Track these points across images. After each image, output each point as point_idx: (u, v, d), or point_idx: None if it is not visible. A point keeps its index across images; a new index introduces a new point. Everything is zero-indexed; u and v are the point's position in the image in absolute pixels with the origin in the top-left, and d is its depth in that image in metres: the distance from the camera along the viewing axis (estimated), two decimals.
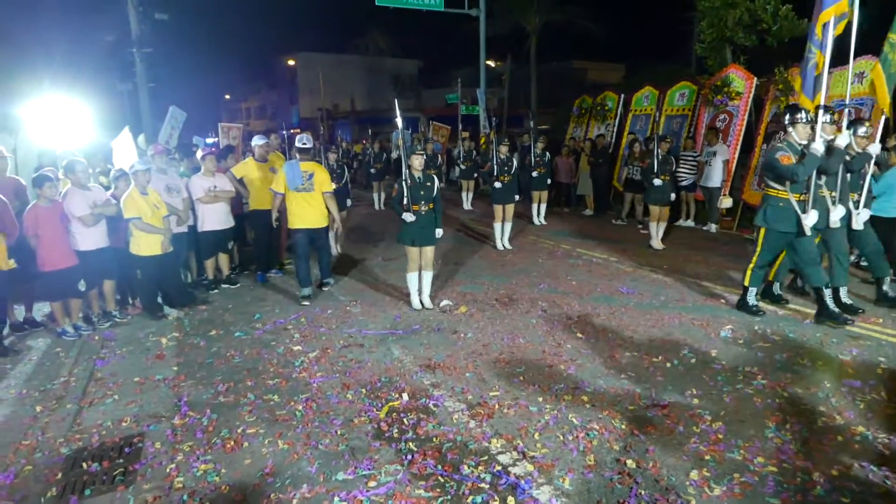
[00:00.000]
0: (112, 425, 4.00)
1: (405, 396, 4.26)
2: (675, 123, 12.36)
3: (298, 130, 35.17)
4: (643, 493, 3.09)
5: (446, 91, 31.28)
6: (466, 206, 14.33)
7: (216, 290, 7.28)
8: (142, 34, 17.23)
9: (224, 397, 4.37)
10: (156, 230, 6.09)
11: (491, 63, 27.30)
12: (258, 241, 7.79)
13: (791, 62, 10.37)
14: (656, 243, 9.06)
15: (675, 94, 12.56)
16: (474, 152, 15.72)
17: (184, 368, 4.94)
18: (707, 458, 3.40)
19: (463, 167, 15.01)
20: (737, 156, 10.77)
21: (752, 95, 10.78)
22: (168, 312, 6.35)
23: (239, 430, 3.85)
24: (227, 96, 58.75)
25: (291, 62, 45.44)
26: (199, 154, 8.13)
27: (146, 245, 6.09)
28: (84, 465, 3.51)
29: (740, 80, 10.95)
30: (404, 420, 3.91)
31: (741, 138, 10.85)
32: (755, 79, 10.76)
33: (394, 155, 21.00)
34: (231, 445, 3.67)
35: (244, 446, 3.66)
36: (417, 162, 6.23)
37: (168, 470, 3.42)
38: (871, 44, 8.74)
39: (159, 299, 6.44)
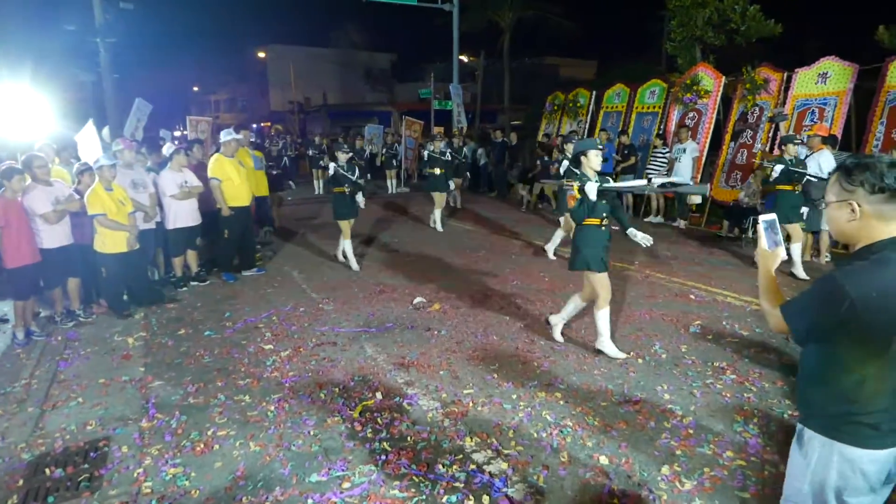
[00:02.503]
0: (76, 429, 3.89)
1: (379, 395, 4.24)
2: (646, 121, 12.52)
3: (269, 124, 34.73)
4: (616, 488, 3.12)
5: (420, 85, 31.20)
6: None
7: (185, 288, 7.14)
8: (106, 23, 16.77)
9: (194, 398, 4.28)
10: (121, 227, 5.93)
11: (464, 58, 27.30)
12: (231, 240, 7.62)
13: (758, 62, 10.59)
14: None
15: (645, 91, 12.71)
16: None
17: (151, 369, 4.83)
18: (678, 452, 3.45)
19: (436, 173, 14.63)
20: (705, 153, 10.95)
21: (720, 94, 10.97)
22: (135, 311, 6.20)
23: (209, 433, 3.77)
24: (196, 88, 57.54)
25: (262, 54, 44.68)
26: (166, 148, 7.93)
27: (111, 242, 5.93)
28: (47, 471, 3.40)
29: (709, 79, 11.13)
30: (378, 419, 3.89)
31: (710, 136, 11.03)
32: (724, 77, 10.96)
33: (366, 149, 20.89)
34: (201, 448, 3.59)
35: (215, 449, 3.59)
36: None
37: (135, 475, 3.33)
38: (835, 44, 8.97)
39: (125, 297, 6.28)
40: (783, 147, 7.28)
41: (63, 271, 5.88)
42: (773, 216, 2.14)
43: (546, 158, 12.01)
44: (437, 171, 10.71)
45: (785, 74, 9.95)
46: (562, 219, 8.58)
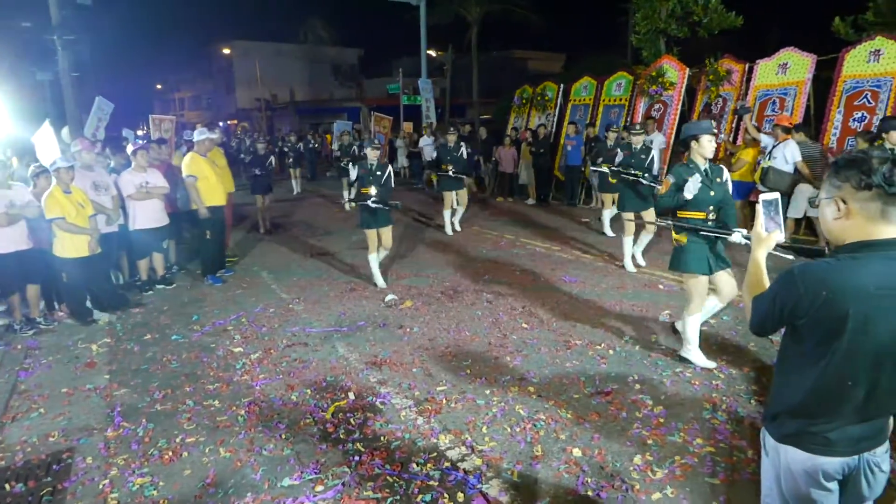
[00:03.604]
0: (38, 441, 3.76)
1: (351, 395, 4.20)
2: (613, 113, 12.63)
3: (236, 122, 34.17)
4: (590, 480, 3.14)
5: (388, 81, 31.06)
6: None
7: (150, 292, 6.97)
8: (63, 20, 16.24)
9: (161, 405, 4.18)
10: (81, 230, 5.76)
11: (432, 53, 27.21)
12: (213, 241, 7.43)
13: (721, 53, 10.77)
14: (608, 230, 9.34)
15: (612, 84, 12.82)
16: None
17: (117, 376, 4.70)
18: (649, 442, 3.49)
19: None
20: (671, 144, 11.10)
21: (685, 85, 11.13)
22: (98, 317, 6.04)
23: (177, 440, 3.69)
24: (160, 86, 56.33)
25: (227, 51, 43.90)
26: (130, 148, 7.73)
27: (71, 246, 5.75)
28: (7, 485, 3.28)
29: (674, 71, 11.27)
30: (351, 420, 3.85)
31: (676, 127, 11.18)
32: (687, 69, 11.11)
33: (335, 146, 20.69)
34: (169, 456, 3.51)
35: (183, 456, 3.52)
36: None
37: (101, 486, 3.24)
38: (795, 36, 9.16)
39: (88, 303, 6.10)
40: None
41: (20, 277, 5.69)
42: (775, 195, 2.02)
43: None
44: (451, 169, 9.62)
45: (747, 66, 10.13)
46: (602, 196, 9.32)
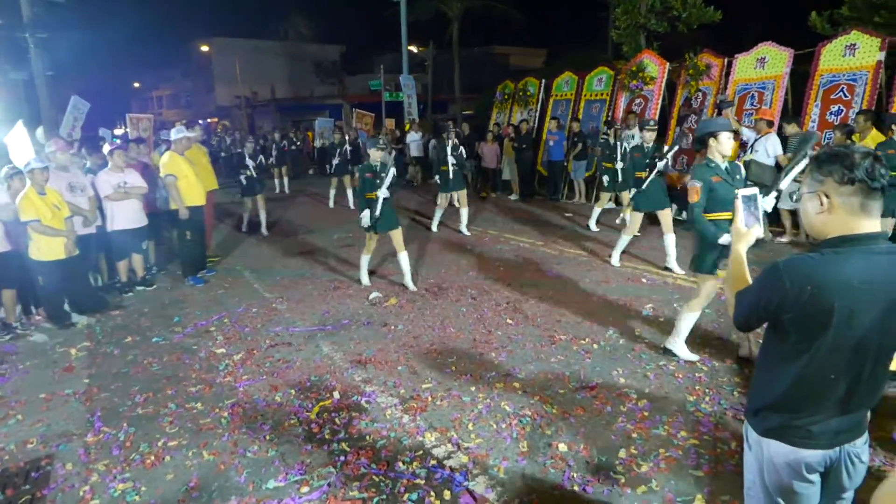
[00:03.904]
0: (16, 448, 3.69)
1: (336, 395, 4.17)
2: (595, 108, 12.68)
3: (216, 120, 33.79)
4: (575, 475, 3.15)
5: (369, 77, 30.84)
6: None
7: (130, 294, 6.87)
8: (35, 18, 15.92)
9: (142, 409, 4.12)
10: (57, 232, 5.65)
11: (413, 49, 27.12)
12: (193, 241, 7.33)
13: (700, 48, 10.85)
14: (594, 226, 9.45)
15: (593, 79, 12.85)
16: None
17: (96, 380, 4.62)
18: (634, 435, 3.51)
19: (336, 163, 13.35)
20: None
21: (665, 80, 11.19)
22: (77, 320, 5.93)
23: (160, 444, 3.64)
24: (137, 85, 55.51)
25: (205, 48, 43.36)
26: (107, 148, 7.59)
27: (48, 249, 5.64)
28: None
29: (654, 66, 11.34)
30: (336, 420, 3.83)
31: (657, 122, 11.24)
32: (668, 64, 11.18)
33: (317, 144, 20.53)
34: (151, 460, 3.46)
35: (166, 460, 3.47)
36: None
37: (81, 493, 3.19)
38: (773, 30, 9.24)
39: (66, 306, 6.00)
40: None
41: None
42: (754, 190, 2.03)
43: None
44: (451, 169, 9.29)
45: (725, 60, 10.21)
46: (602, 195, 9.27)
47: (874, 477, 2.88)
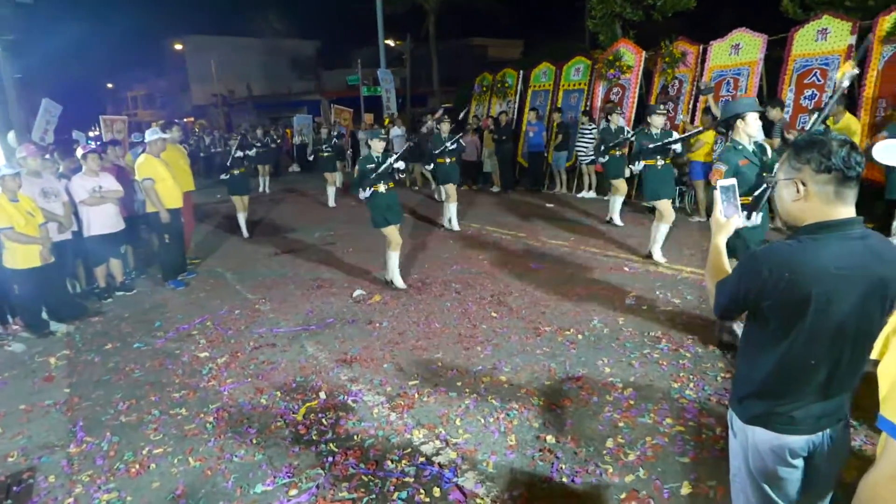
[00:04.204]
0: None
1: (322, 395, 4.14)
2: (573, 98, 12.71)
3: (193, 119, 33.32)
4: (564, 467, 3.17)
5: (347, 72, 30.62)
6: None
7: (110, 299, 6.76)
8: (1, 19, 15.55)
9: (126, 417, 4.06)
10: (32, 240, 5.54)
11: (390, 42, 26.95)
12: (172, 244, 7.23)
13: (675, 35, 10.91)
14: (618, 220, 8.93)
15: (570, 69, 12.88)
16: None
17: (77, 389, 4.55)
18: (621, 424, 3.54)
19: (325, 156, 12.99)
20: (631, 127, 11.22)
21: (641, 68, 11.24)
22: (56, 328, 5.83)
23: (144, 452, 3.59)
24: (110, 85, 54.57)
25: (179, 46, 42.74)
26: (80, 152, 7.45)
27: (22, 257, 5.53)
28: None
29: (630, 54, 11.38)
30: (323, 420, 3.80)
31: (634, 110, 11.31)
32: (644, 52, 11.23)
33: (296, 141, 20.37)
34: (136, 469, 3.41)
35: (151, 468, 3.42)
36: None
37: None
38: (746, 16, 9.32)
39: (44, 315, 5.89)
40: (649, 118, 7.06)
41: None
42: (732, 181, 2.02)
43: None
44: (448, 160, 9.19)
45: (701, 47, 10.28)
46: (616, 184, 8.92)
47: (856, 456, 2.94)
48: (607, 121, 9.51)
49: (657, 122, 6.84)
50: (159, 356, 5.07)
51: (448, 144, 9.07)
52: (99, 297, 6.79)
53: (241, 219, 9.83)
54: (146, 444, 3.67)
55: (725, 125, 4.29)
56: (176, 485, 3.24)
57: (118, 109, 47.99)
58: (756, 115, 4.13)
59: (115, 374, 4.78)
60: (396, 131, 15.08)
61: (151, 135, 7.19)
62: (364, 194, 6.12)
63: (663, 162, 6.73)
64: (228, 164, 9.52)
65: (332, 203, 12.41)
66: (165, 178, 7.00)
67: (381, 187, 6.16)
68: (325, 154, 12.99)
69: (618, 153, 8.99)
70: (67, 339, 5.64)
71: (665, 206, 6.64)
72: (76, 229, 6.61)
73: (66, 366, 5.03)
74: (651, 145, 6.70)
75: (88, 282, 7.12)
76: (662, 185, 6.70)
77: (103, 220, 6.66)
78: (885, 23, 7.92)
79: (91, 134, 26.02)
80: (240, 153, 9.60)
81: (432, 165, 9.37)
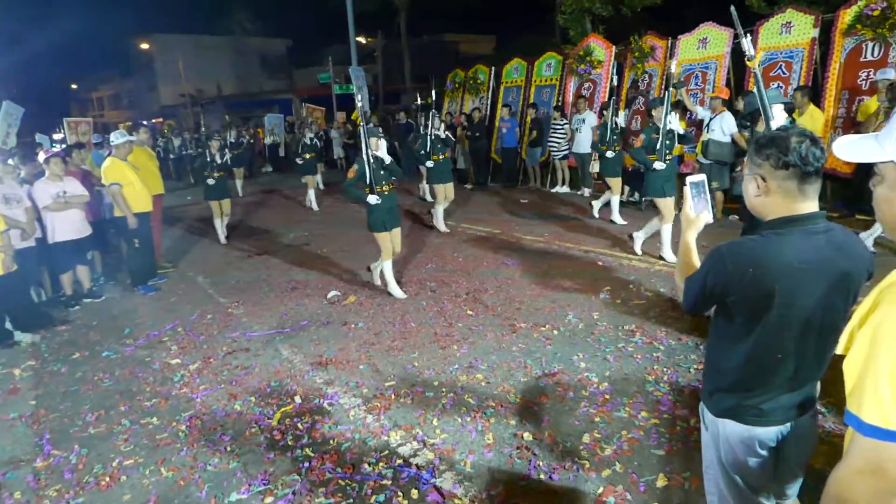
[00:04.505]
0: None
1: (298, 399, 4.09)
2: (545, 93, 12.75)
3: (161, 120, 32.71)
4: (541, 464, 3.17)
5: (318, 70, 30.33)
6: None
7: (77, 307, 6.59)
8: None
9: (94, 428, 3.96)
10: None
11: (362, 40, 26.75)
12: (142, 249, 7.06)
13: (644, 30, 11.01)
14: (617, 217, 8.65)
15: (542, 64, 12.92)
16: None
17: (44, 401, 4.42)
18: (597, 419, 3.56)
19: (307, 157, 12.12)
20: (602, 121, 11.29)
21: (612, 63, 11.32)
22: (20, 338, 5.66)
23: (115, 463, 3.50)
24: (75, 86, 53.33)
25: (146, 45, 41.91)
26: (42, 156, 7.24)
27: None
28: None
29: (601, 49, 11.45)
30: (299, 425, 3.75)
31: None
32: (614, 47, 11.31)
33: (267, 141, 20.11)
34: (106, 482, 3.33)
35: (122, 480, 3.34)
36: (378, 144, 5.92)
37: None
38: (713, 10, 9.44)
39: (8, 324, 5.71)
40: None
41: None
42: (702, 177, 2.02)
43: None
44: (441, 156, 8.91)
45: (669, 41, 10.39)
46: (611, 182, 8.66)
47: (824, 442, 2.99)
48: (602, 116, 9.22)
49: (660, 115, 6.59)
50: (129, 364, 4.96)
51: (438, 133, 8.84)
52: (66, 304, 6.62)
53: (220, 225, 9.39)
54: (116, 456, 3.58)
55: (750, 119, 4.23)
56: (148, 496, 3.16)
57: (84, 110, 46.98)
58: (781, 106, 4.04)
59: (83, 384, 4.66)
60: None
61: (118, 137, 7.01)
62: (375, 199, 5.78)
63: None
64: (208, 168, 9.08)
65: (315, 207, 11.79)
66: (133, 182, 6.84)
67: (386, 188, 5.90)
68: (308, 156, 12.12)
69: (615, 150, 8.67)
70: (33, 350, 5.48)
71: (668, 204, 6.43)
72: (40, 236, 6.43)
73: (31, 377, 4.89)
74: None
75: (54, 289, 6.94)
76: (668, 181, 6.46)
77: (68, 225, 6.49)
78: (846, 16, 8.09)
79: (56, 137, 25.38)
80: (217, 156, 9.19)
81: (432, 164, 8.92)
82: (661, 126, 6.42)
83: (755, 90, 3.85)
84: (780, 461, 1.90)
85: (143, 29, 41.75)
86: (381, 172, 5.89)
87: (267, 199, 13.95)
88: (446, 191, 8.94)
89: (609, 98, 9.15)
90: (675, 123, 6.56)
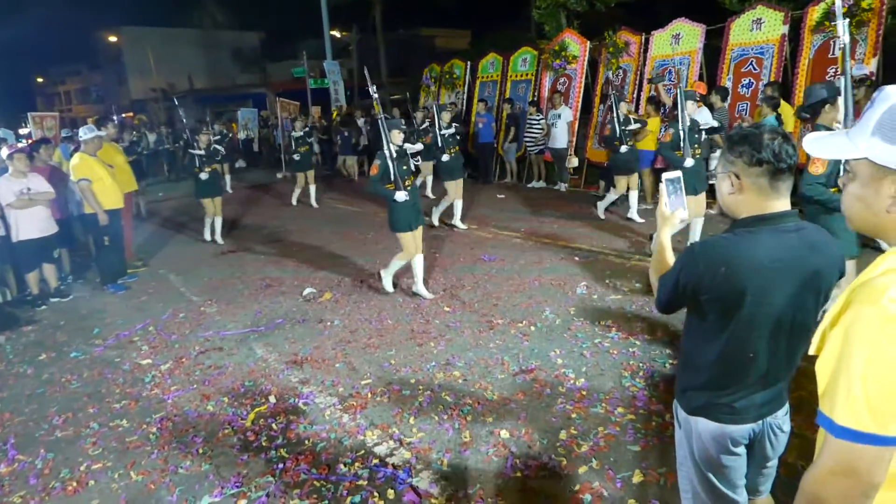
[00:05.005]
0: None
1: (272, 399, 4.03)
2: (520, 88, 12.76)
3: (132, 114, 32.02)
4: (518, 461, 3.17)
5: (293, 64, 29.93)
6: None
7: (44, 307, 6.41)
8: None
9: (61, 431, 3.85)
10: None
11: (336, 33, 26.50)
12: (112, 246, 6.87)
13: (619, 26, 11.07)
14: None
15: (517, 59, 12.92)
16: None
17: (8, 404, 4.28)
18: (573, 416, 3.57)
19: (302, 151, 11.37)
20: (577, 117, 11.35)
21: (587, 58, 11.36)
22: None
23: (82, 468, 3.41)
24: (40, 80, 51.91)
25: (114, 38, 40.95)
26: (5, 152, 7.01)
27: None
28: None
29: (575, 45, 11.48)
30: (273, 425, 3.70)
31: (581, 100, 11.44)
32: (588, 42, 11.35)
33: (241, 135, 19.80)
34: (73, 487, 3.24)
35: (90, 485, 3.25)
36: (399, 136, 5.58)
37: None
38: (685, 6, 9.54)
39: None
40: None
41: None
42: (677, 173, 2.01)
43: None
44: (451, 152, 8.58)
45: (643, 37, 10.46)
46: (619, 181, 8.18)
47: (795, 435, 3.03)
48: (612, 109, 8.33)
49: (692, 108, 6.53)
50: (98, 365, 4.83)
51: (445, 132, 8.46)
52: (32, 304, 6.43)
53: (217, 223, 8.83)
54: (84, 460, 3.49)
55: (812, 111, 4.15)
56: (117, 501, 3.09)
57: (50, 104, 45.74)
58: (842, 98, 3.92)
59: (49, 386, 4.54)
60: (359, 123, 14.72)
61: (87, 133, 6.83)
62: (403, 195, 5.45)
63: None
64: (198, 163, 8.42)
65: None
66: (103, 178, 6.67)
67: (408, 182, 5.59)
68: (302, 150, 11.31)
69: (628, 146, 8.10)
70: None
71: (700, 201, 6.25)
72: (3, 234, 6.23)
73: None
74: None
75: (20, 289, 6.73)
76: (697, 178, 6.24)
77: (33, 223, 6.30)
78: (814, 13, 8.22)
79: (21, 131, 24.67)
80: (206, 151, 8.58)
81: (448, 158, 8.52)
82: (680, 121, 6.28)
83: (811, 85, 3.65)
84: (752, 458, 1.92)
85: (111, 21, 40.78)
86: (404, 167, 5.60)
87: (250, 194, 13.72)
88: (457, 187, 8.55)
89: (609, 91, 8.68)
90: (705, 115, 6.46)
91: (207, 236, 8.94)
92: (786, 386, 1.86)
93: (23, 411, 4.17)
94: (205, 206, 8.70)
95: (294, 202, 11.62)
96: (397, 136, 5.57)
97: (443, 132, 8.48)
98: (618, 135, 7.99)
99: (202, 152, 8.52)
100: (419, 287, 5.85)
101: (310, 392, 4.09)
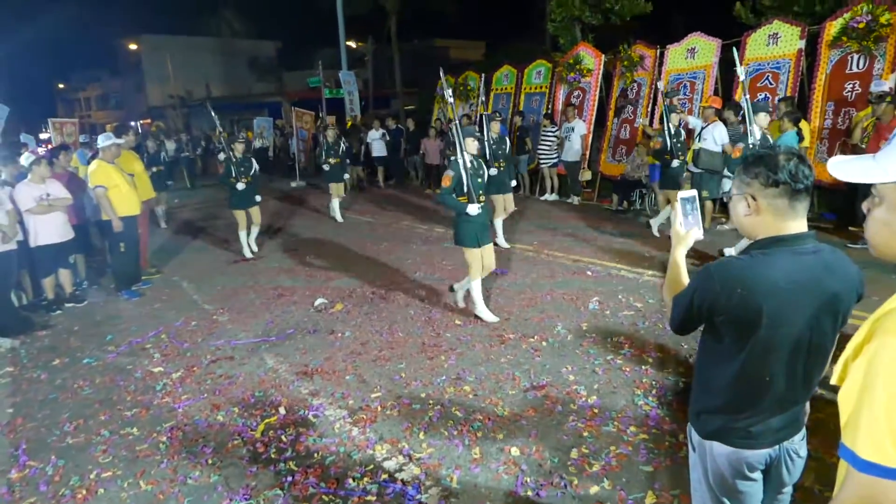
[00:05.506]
0: None
1: (282, 410, 4.03)
2: (535, 101, 12.78)
3: (150, 121, 32.41)
4: (528, 480, 3.13)
5: (309, 73, 30.21)
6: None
7: (59, 312, 6.47)
8: None
9: (73, 438, 3.87)
10: None
11: (352, 44, 26.73)
12: (127, 253, 6.94)
13: (633, 39, 11.07)
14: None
15: (532, 72, 12.95)
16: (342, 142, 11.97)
17: (21, 409, 4.32)
18: (585, 434, 3.52)
19: (332, 163, 10.78)
20: (591, 130, 11.33)
21: (601, 72, 11.36)
22: None
23: (92, 476, 3.42)
24: (62, 86, 52.78)
25: (134, 46, 41.59)
26: (24, 158, 7.10)
27: None
28: None
29: (590, 58, 11.49)
30: (282, 437, 3.69)
31: (595, 113, 11.43)
32: (603, 55, 11.35)
33: (256, 144, 19.98)
34: (83, 495, 3.25)
35: (99, 493, 3.26)
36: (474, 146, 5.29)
37: None
38: (700, 20, 9.52)
39: None
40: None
41: None
42: (693, 193, 2.01)
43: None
44: (500, 165, 7.92)
45: (658, 51, 10.45)
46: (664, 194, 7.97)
47: (812, 459, 2.97)
48: (662, 122, 8.10)
49: (763, 121, 6.38)
50: (110, 372, 4.86)
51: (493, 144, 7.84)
52: (47, 309, 6.50)
53: (254, 231, 8.49)
54: (94, 468, 3.50)
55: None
56: None
57: (70, 110, 46.51)
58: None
59: (62, 392, 4.56)
60: (374, 134, 14.65)
61: (104, 140, 6.93)
62: (476, 209, 5.13)
63: None
64: (234, 173, 8.09)
65: (339, 219, 10.69)
66: (119, 185, 6.75)
67: (482, 196, 5.28)
68: (333, 161, 10.74)
69: (680, 160, 7.66)
70: (11, 355, 5.36)
71: None
72: (21, 239, 6.31)
73: (9, 384, 4.78)
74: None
75: (35, 293, 6.81)
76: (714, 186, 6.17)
77: (51, 229, 6.38)
78: (832, 28, 8.17)
79: (42, 136, 25.05)
80: (242, 160, 8.27)
81: (495, 171, 7.71)
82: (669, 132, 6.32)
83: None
84: (768, 484, 1.88)
85: (131, 29, 41.47)
86: (478, 180, 5.25)
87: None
88: (505, 202, 8.02)
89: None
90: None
91: (247, 253, 8.37)
92: (802, 410, 1.82)
93: (35, 416, 4.20)
94: (237, 217, 8.28)
95: (339, 218, 10.75)
96: (472, 146, 5.26)
97: (493, 144, 7.83)
98: (669, 147, 7.61)
99: (237, 160, 8.19)
100: (481, 309, 5.43)
101: (320, 404, 4.08)
